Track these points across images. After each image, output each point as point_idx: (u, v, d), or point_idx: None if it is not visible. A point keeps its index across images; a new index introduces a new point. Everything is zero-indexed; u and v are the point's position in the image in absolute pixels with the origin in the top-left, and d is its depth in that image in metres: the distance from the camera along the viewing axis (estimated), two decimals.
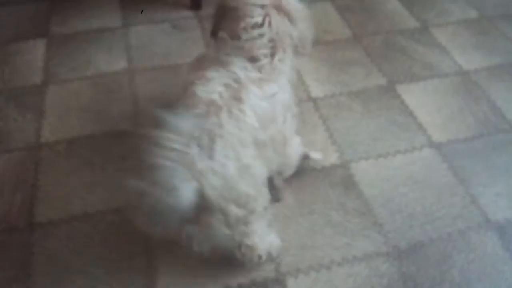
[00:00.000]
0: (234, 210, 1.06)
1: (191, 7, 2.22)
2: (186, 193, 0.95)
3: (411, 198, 1.47)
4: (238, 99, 1.12)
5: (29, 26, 2.13)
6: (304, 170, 1.52)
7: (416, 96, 1.80)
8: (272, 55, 1.23)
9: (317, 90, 1.82)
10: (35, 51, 2.00)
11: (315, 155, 1.52)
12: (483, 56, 1.98)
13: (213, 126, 1.05)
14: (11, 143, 1.62)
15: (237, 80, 1.15)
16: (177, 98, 1.18)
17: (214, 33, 1.32)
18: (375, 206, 1.44)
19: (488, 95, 1.81)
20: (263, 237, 1.24)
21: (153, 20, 2.15)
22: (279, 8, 1.24)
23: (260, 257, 1.24)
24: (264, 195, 1.17)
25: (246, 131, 1.09)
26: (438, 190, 1.49)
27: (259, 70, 1.20)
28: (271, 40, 1.22)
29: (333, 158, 1.57)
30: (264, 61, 1.21)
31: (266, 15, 1.21)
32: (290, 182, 1.49)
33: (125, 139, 1.62)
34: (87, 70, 1.90)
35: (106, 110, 1.74)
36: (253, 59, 1.21)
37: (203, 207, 1.00)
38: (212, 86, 1.12)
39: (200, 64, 1.24)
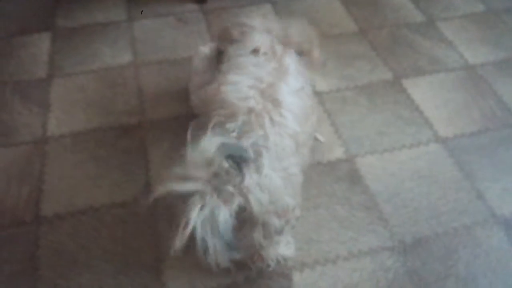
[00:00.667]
0: (275, 222, 1.02)
1: (196, 0, 2.21)
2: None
3: (417, 193, 1.46)
4: (274, 101, 1.10)
5: (34, 20, 2.13)
6: (309, 164, 1.52)
7: (422, 91, 1.79)
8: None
9: (322, 84, 1.81)
10: (40, 45, 2.00)
11: (320, 137, 1.54)
12: (489, 50, 1.97)
13: (258, 139, 1.02)
14: (17, 137, 1.62)
15: (261, 79, 1.14)
16: (203, 105, 1.16)
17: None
18: (380, 200, 1.44)
19: (495, 89, 1.80)
20: (278, 248, 1.22)
21: (158, 14, 2.14)
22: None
23: (268, 266, 1.24)
24: (299, 203, 1.14)
25: (289, 136, 1.08)
26: (444, 185, 1.48)
27: (267, 60, 1.21)
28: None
29: (338, 153, 1.57)
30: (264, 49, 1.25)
31: None
32: None
33: (131, 133, 1.63)
34: (92, 64, 1.90)
35: (111, 103, 1.73)
36: (256, 52, 1.22)
37: (247, 221, 0.97)
38: (242, 90, 1.11)
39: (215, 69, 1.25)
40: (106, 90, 1.79)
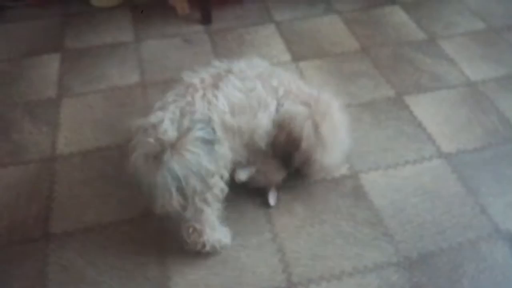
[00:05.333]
0: (193, 182, 1.14)
1: (202, 21, 2.26)
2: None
3: (421, 208, 1.47)
4: (215, 85, 1.29)
5: (43, 41, 2.18)
6: (314, 181, 1.54)
7: (424, 107, 1.82)
8: None
9: None
10: (50, 66, 2.04)
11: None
12: (490, 67, 2.00)
13: (186, 105, 1.22)
14: (27, 155, 1.65)
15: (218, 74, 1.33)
16: None
17: None
18: (385, 216, 1.45)
19: (497, 105, 1.82)
20: (214, 230, 1.31)
21: (164, 35, 2.20)
22: None
23: (204, 245, 1.30)
24: (223, 174, 1.27)
25: (217, 113, 1.24)
26: (448, 200, 1.49)
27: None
28: None
29: (343, 169, 1.59)
30: None
31: None
32: (300, 192, 1.51)
33: None
34: (100, 84, 1.94)
35: (119, 122, 1.77)
36: None
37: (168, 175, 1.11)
38: (199, 75, 1.33)
39: None
40: (114, 110, 1.82)
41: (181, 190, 1.14)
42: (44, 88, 1.93)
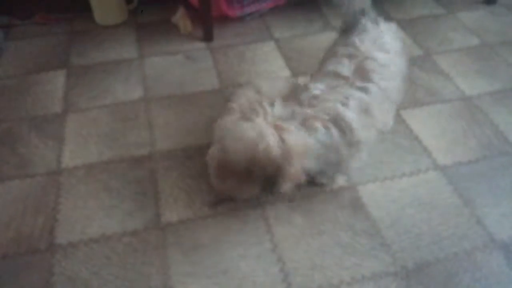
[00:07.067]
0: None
1: (203, 39, 2.32)
2: None
3: (418, 219, 1.51)
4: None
5: (50, 58, 2.24)
6: (313, 192, 1.58)
7: (420, 121, 1.86)
8: None
9: None
10: (56, 82, 2.10)
11: None
12: (485, 81, 2.05)
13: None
14: (33, 169, 1.70)
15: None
16: None
17: None
18: (382, 227, 1.49)
19: (491, 119, 1.86)
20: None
21: (167, 52, 2.26)
22: None
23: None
24: None
25: None
26: (444, 211, 1.53)
27: None
28: None
29: (341, 181, 1.62)
30: None
31: None
32: (300, 203, 1.54)
33: (141, 164, 1.70)
34: (105, 99, 1.99)
35: (123, 136, 1.81)
36: None
37: None
38: None
39: None
40: (118, 124, 1.87)
41: None
42: (50, 104, 1.98)
